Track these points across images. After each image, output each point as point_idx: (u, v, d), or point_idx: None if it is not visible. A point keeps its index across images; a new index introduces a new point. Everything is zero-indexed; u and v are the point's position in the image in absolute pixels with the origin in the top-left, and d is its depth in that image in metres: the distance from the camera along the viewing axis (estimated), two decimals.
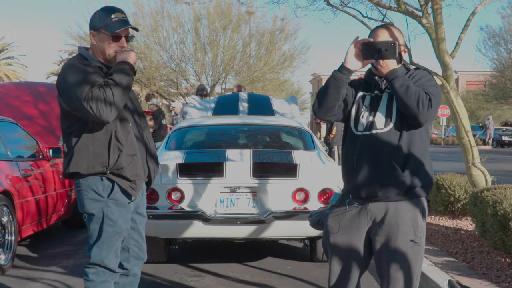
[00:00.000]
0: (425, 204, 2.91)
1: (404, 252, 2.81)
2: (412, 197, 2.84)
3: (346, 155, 2.94)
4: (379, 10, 8.02)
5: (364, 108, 2.89)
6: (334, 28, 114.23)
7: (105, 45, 3.11)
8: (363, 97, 2.92)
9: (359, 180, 2.84)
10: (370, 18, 7.94)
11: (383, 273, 2.88)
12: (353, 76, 2.91)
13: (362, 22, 7.89)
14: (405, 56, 2.99)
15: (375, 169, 2.81)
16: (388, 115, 2.83)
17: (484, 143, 33.26)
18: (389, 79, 2.79)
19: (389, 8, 7.50)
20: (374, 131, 2.84)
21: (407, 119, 2.80)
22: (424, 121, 2.78)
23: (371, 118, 2.86)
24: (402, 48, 2.89)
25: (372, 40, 2.80)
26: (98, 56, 3.14)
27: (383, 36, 2.85)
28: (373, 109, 2.87)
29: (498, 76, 34.54)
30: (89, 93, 2.89)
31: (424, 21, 6.96)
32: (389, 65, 2.81)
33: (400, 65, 2.91)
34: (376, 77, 2.92)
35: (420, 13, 7.04)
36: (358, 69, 2.82)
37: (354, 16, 7.86)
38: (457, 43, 6.77)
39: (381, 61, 2.80)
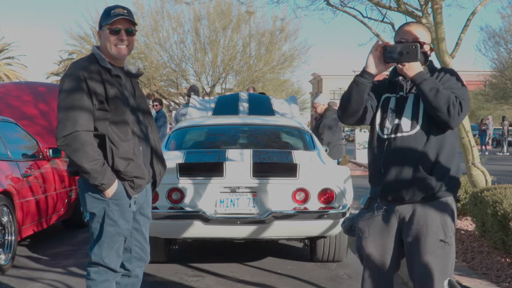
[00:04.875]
0: (454, 204, 2.87)
1: (435, 253, 2.77)
2: (440, 198, 2.81)
3: (373, 158, 2.91)
4: (379, 10, 8.04)
5: (389, 110, 2.85)
6: (334, 28, 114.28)
7: (106, 40, 3.13)
8: (387, 99, 2.88)
9: (386, 183, 2.81)
10: (370, 18, 7.95)
11: (414, 274, 2.84)
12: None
13: (362, 22, 7.91)
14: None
15: (402, 172, 2.78)
16: (414, 118, 2.79)
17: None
18: (417, 83, 2.72)
19: (389, 8, 7.51)
20: (400, 134, 2.80)
21: (435, 122, 2.76)
22: (454, 125, 2.74)
23: (396, 121, 2.82)
24: (428, 47, 2.84)
25: (392, 43, 2.76)
26: (106, 55, 3.15)
27: (413, 34, 2.79)
28: (398, 111, 2.83)
29: (498, 76, 34.53)
30: (67, 139, 2.96)
31: (424, 21, 6.96)
32: (415, 67, 2.73)
33: (425, 65, 2.87)
34: (400, 77, 2.87)
35: (420, 13, 7.05)
36: (380, 73, 2.78)
37: (354, 16, 7.87)
38: (457, 43, 6.77)
39: (405, 63, 2.72)
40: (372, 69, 2.74)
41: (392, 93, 2.88)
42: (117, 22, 3.11)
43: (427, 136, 2.78)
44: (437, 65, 3.06)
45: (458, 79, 2.83)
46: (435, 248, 2.77)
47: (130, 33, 3.16)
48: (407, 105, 2.82)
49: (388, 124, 2.84)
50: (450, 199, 2.84)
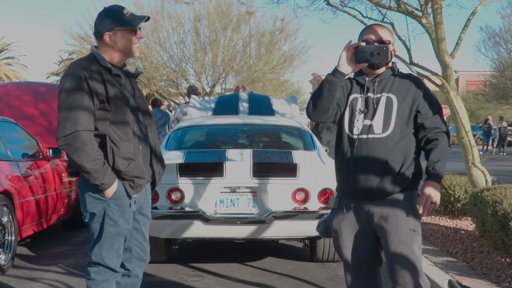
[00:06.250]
0: (417, 195, 2.95)
1: (408, 242, 2.84)
2: (405, 192, 2.89)
3: (342, 157, 2.95)
4: (379, 10, 8.03)
5: (358, 111, 2.90)
6: (334, 28, 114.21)
7: (128, 41, 3.13)
8: (355, 100, 2.93)
9: (355, 182, 2.88)
10: (370, 18, 7.94)
11: (390, 264, 2.88)
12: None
13: (362, 22, 7.89)
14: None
15: (372, 171, 2.85)
16: (386, 121, 2.85)
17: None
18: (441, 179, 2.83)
19: (389, 8, 7.50)
20: (371, 136, 2.86)
21: (405, 126, 2.87)
22: None
23: (367, 122, 2.88)
24: (392, 47, 2.90)
25: (364, 44, 2.81)
26: (109, 55, 3.15)
27: (379, 35, 2.87)
28: (369, 112, 2.89)
29: (498, 76, 34.48)
30: (67, 138, 2.96)
31: (424, 21, 6.96)
32: (436, 190, 2.79)
33: (390, 65, 2.95)
34: (367, 78, 2.94)
35: (420, 13, 7.05)
36: (351, 73, 2.84)
37: (354, 16, 7.86)
38: (457, 43, 6.77)
39: (432, 195, 2.78)
40: (344, 68, 2.79)
41: (359, 93, 2.94)
42: (138, 23, 3.14)
43: (398, 139, 2.85)
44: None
45: (433, 100, 2.91)
46: (406, 237, 2.85)
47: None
48: (379, 107, 2.88)
49: (357, 124, 2.90)
50: (414, 192, 2.93)
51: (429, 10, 6.92)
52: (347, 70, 2.79)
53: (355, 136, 2.89)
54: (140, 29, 3.19)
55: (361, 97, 2.92)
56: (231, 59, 23.57)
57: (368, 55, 2.77)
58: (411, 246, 2.84)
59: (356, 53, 2.77)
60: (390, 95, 2.88)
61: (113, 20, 3.12)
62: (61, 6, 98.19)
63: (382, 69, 2.93)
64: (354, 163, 2.87)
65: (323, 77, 2.90)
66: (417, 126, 2.89)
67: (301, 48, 24.91)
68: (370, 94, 2.90)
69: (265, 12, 23.05)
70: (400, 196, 2.87)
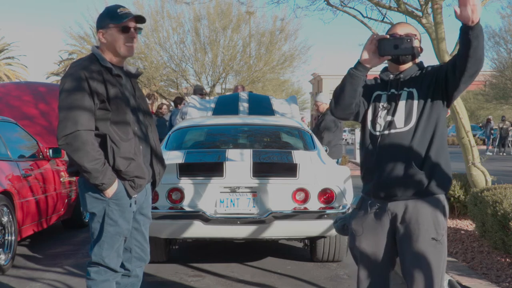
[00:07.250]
0: (445, 201, 2.86)
1: (427, 251, 2.76)
2: (431, 195, 2.80)
3: (365, 155, 2.90)
4: (379, 10, 8.04)
5: (381, 107, 2.85)
6: (334, 28, 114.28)
7: (115, 39, 3.12)
8: (378, 96, 2.88)
9: (378, 180, 2.81)
10: (370, 18, 7.96)
11: (406, 273, 2.83)
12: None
13: (362, 22, 7.91)
14: None
15: (395, 168, 2.78)
16: (408, 115, 2.79)
17: (484, 143, 33.28)
18: (478, 28, 2.50)
19: (389, 8, 7.52)
20: (393, 131, 2.80)
21: (428, 118, 2.77)
22: (480, 67, 2.64)
23: (389, 118, 2.82)
24: (418, 43, 2.85)
25: (388, 36, 2.75)
26: (108, 55, 3.15)
27: (404, 30, 2.82)
28: (391, 108, 2.83)
29: (498, 76, 34.52)
30: (68, 138, 2.96)
31: (424, 21, 6.97)
32: (479, 11, 2.47)
33: (416, 61, 2.89)
34: (392, 75, 2.88)
35: (420, 13, 7.06)
36: (374, 66, 2.78)
37: (354, 16, 7.88)
38: (457, 43, 6.77)
39: (474, 3, 2.44)
40: (367, 61, 2.74)
41: (383, 90, 2.89)
42: (128, 21, 3.12)
43: (419, 133, 2.78)
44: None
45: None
46: (427, 246, 2.76)
47: (139, 31, 3.19)
48: (400, 101, 2.82)
49: (380, 121, 2.84)
50: (441, 197, 2.83)
51: (429, 10, 6.93)
52: (370, 63, 2.74)
53: (377, 133, 2.83)
54: (137, 29, 3.17)
55: (385, 94, 2.87)
56: (231, 59, 23.57)
57: (392, 47, 2.70)
58: (429, 256, 2.76)
59: (379, 46, 2.71)
60: (411, 89, 2.82)
61: (106, 18, 3.14)
62: (61, 6, 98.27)
63: (408, 65, 2.86)
64: (377, 160, 2.81)
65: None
66: (453, 71, 2.72)
67: (301, 48, 24.90)
68: (393, 90, 2.85)
69: (265, 12, 23.06)
70: (426, 201, 2.78)
